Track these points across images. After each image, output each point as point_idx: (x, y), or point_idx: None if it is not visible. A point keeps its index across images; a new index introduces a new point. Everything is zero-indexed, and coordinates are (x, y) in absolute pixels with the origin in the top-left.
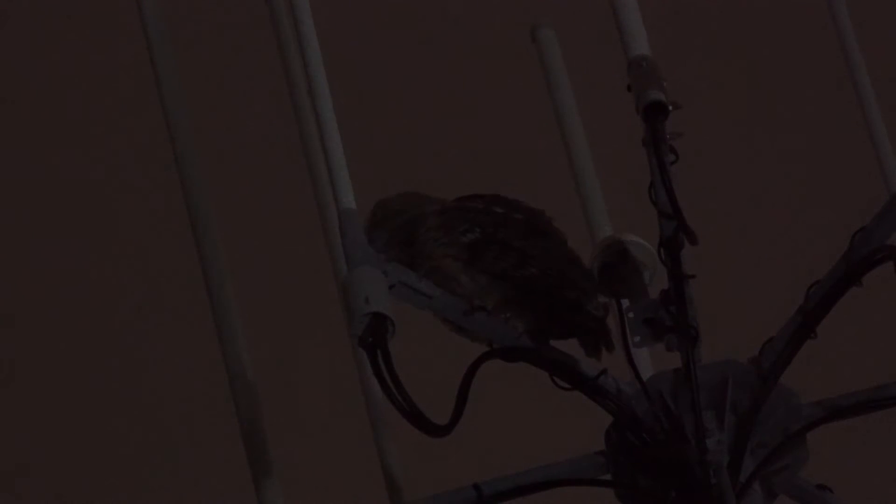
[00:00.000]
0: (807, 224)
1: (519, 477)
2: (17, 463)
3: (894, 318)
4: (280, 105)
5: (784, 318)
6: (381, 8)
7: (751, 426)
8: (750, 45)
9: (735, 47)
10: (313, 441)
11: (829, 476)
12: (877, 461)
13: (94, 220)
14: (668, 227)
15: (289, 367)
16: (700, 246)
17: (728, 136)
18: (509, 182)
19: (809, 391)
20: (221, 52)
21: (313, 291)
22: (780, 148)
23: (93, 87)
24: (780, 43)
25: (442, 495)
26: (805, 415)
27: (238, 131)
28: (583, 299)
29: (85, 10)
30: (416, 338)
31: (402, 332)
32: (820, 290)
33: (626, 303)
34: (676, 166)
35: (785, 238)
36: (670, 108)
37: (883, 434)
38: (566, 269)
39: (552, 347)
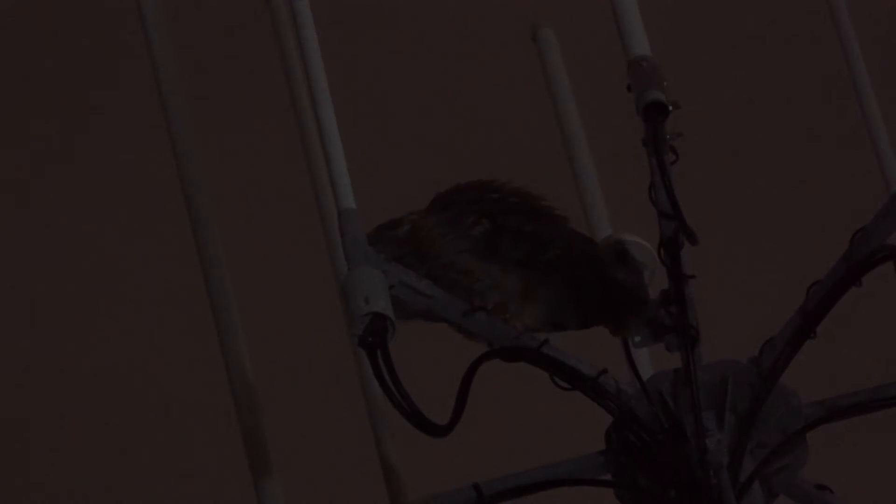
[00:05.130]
0: (807, 224)
1: (519, 477)
2: (15, 461)
3: (894, 318)
4: (280, 105)
5: (784, 318)
6: (381, 7)
7: (751, 426)
8: (749, 44)
9: (735, 47)
10: (313, 441)
11: (829, 476)
12: (877, 461)
13: (93, 218)
14: (668, 227)
15: (289, 367)
16: (700, 246)
17: (728, 136)
18: None
19: (809, 391)
20: (221, 53)
21: (313, 291)
22: (780, 147)
23: (93, 88)
24: (781, 42)
25: (442, 495)
26: (805, 415)
27: (238, 131)
28: (609, 270)
29: (85, 8)
30: (417, 338)
31: (402, 332)
32: (820, 290)
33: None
34: (676, 166)
35: (785, 238)
36: (670, 108)
37: (883, 434)
38: (585, 246)
39: (552, 347)
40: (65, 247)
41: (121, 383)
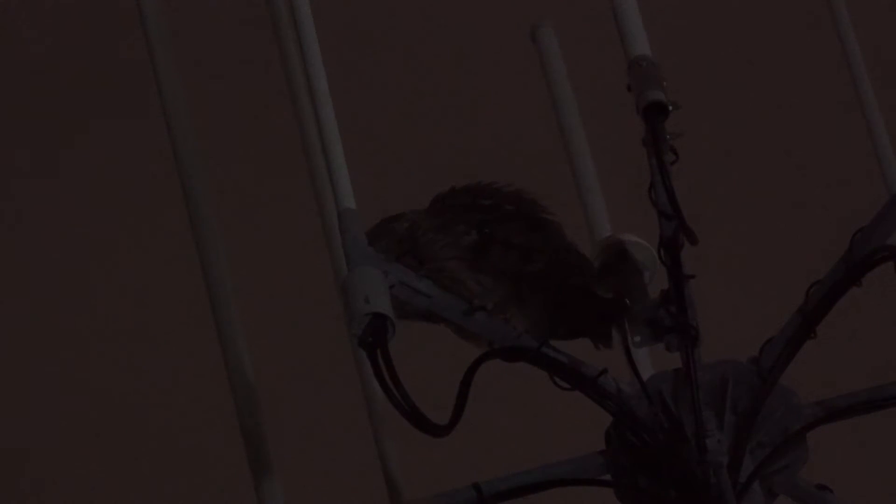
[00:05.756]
0: (807, 224)
1: (519, 477)
2: (15, 460)
3: (894, 318)
4: (280, 105)
5: (784, 318)
6: (381, 8)
7: (751, 426)
8: (749, 44)
9: (735, 47)
10: (313, 441)
11: (829, 476)
12: (877, 461)
13: (93, 218)
14: (668, 227)
15: (289, 366)
16: (700, 246)
17: (728, 136)
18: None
19: (809, 391)
20: (221, 53)
21: (313, 291)
22: (780, 148)
23: (93, 87)
24: (780, 42)
25: (442, 495)
26: (805, 415)
27: (238, 131)
28: (590, 283)
29: (85, 8)
30: (416, 338)
31: (402, 332)
32: (820, 290)
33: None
34: (676, 166)
35: (785, 238)
36: (670, 108)
37: (883, 434)
38: (568, 257)
39: (552, 347)
40: (65, 247)
41: (121, 383)
